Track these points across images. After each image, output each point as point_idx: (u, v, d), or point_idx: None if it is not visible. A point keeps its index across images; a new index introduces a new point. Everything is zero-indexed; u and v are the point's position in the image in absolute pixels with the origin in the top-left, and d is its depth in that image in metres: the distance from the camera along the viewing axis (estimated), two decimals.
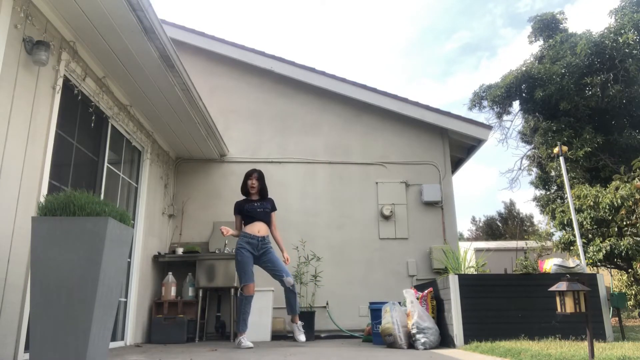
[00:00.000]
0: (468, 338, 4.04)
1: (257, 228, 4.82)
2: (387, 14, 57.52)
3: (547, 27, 13.65)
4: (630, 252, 6.91)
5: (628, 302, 10.04)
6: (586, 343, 3.09)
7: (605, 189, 7.58)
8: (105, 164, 4.60)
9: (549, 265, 4.68)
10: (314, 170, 6.90)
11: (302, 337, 4.78)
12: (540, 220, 23.64)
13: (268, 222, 4.95)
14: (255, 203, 4.98)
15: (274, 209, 5.10)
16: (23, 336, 3.09)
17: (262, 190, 5.11)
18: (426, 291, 4.60)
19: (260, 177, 5.12)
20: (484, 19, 51.40)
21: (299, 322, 4.84)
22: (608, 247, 7.09)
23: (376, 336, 4.87)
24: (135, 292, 5.16)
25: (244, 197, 5.13)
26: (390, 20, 57.89)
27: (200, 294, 5.79)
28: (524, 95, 12.75)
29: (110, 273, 2.54)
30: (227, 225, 5.25)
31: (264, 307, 5.65)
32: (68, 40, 3.74)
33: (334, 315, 6.22)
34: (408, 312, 4.38)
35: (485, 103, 13.58)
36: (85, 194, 2.59)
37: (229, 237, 4.98)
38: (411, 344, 4.28)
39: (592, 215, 7.46)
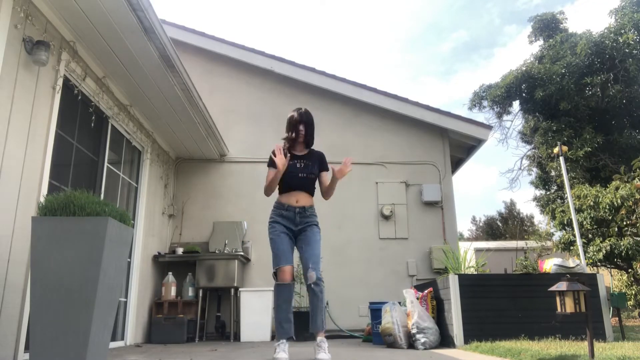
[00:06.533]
0: (468, 338, 4.04)
1: (295, 198, 3.53)
2: (388, 13, 57.55)
3: (547, 27, 13.65)
4: (630, 252, 6.91)
5: (628, 302, 10.04)
6: (586, 343, 3.09)
7: (605, 189, 7.58)
8: (105, 164, 4.60)
9: (549, 265, 4.68)
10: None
11: (322, 356, 3.21)
12: (541, 220, 23.64)
13: (312, 191, 3.61)
14: (299, 162, 3.58)
15: (323, 169, 3.67)
16: (23, 336, 3.09)
17: (309, 138, 3.68)
18: (426, 291, 4.60)
19: (309, 120, 3.67)
20: (486, 16, 51.40)
21: (322, 338, 3.34)
22: (608, 247, 7.09)
23: (376, 336, 4.87)
24: (135, 292, 5.16)
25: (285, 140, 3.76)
26: (391, 19, 57.92)
27: (200, 294, 5.79)
28: (524, 95, 12.74)
29: (110, 273, 2.54)
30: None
31: (264, 307, 5.66)
32: (68, 40, 3.74)
33: (334, 315, 6.22)
34: (408, 312, 4.38)
35: (485, 103, 13.58)
36: (85, 194, 2.59)
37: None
38: (411, 344, 4.28)
39: (592, 215, 7.46)
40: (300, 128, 3.62)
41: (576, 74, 11.41)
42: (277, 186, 3.59)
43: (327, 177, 3.67)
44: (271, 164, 3.59)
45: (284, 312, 3.37)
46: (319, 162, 3.66)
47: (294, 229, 3.50)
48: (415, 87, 60.46)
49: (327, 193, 3.67)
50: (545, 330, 4.04)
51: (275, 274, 3.43)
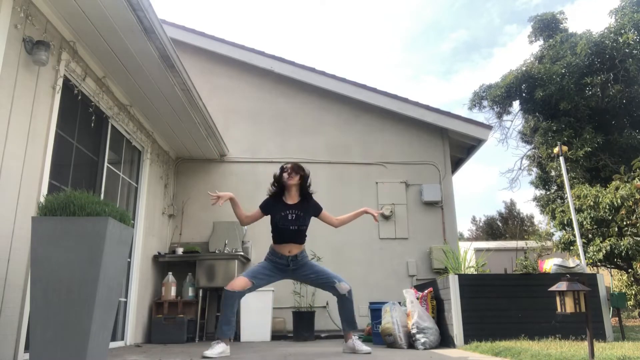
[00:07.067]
0: (468, 338, 4.04)
1: (288, 249, 3.73)
2: (388, 12, 57.49)
3: (547, 27, 13.65)
4: (630, 252, 6.91)
5: (628, 302, 10.04)
6: (586, 343, 3.09)
7: (605, 189, 7.58)
8: (105, 164, 4.60)
9: (549, 265, 4.67)
10: (314, 171, 6.77)
11: (365, 347, 3.77)
12: (541, 220, 23.65)
13: (303, 240, 3.81)
14: (291, 213, 3.72)
15: (317, 213, 3.92)
16: (23, 336, 3.09)
17: (304, 190, 3.84)
18: (426, 291, 4.60)
19: (301, 174, 3.83)
20: (486, 16, 51.36)
21: (355, 338, 3.88)
22: (608, 247, 7.08)
23: (376, 336, 4.87)
24: (135, 292, 5.16)
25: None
26: (391, 18, 57.85)
27: (200, 294, 5.79)
28: (524, 95, 12.74)
29: (110, 273, 2.54)
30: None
31: (264, 307, 5.65)
32: (68, 40, 3.74)
33: (334, 315, 6.21)
34: (408, 312, 4.38)
35: (485, 103, 13.58)
36: (85, 194, 2.59)
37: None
38: (411, 343, 4.28)
39: (592, 215, 7.46)
40: (293, 178, 3.77)
41: (576, 74, 11.40)
42: (271, 235, 3.80)
43: (325, 214, 3.97)
44: (263, 210, 3.81)
45: (226, 316, 3.58)
46: (313, 210, 3.88)
47: (285, 269, 3.79)
48: (415, 86, 60.40)
49: (340, 225, 4.12)
50: (545, 330, 4.04)
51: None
